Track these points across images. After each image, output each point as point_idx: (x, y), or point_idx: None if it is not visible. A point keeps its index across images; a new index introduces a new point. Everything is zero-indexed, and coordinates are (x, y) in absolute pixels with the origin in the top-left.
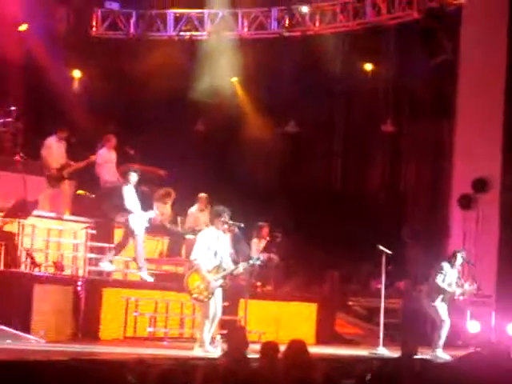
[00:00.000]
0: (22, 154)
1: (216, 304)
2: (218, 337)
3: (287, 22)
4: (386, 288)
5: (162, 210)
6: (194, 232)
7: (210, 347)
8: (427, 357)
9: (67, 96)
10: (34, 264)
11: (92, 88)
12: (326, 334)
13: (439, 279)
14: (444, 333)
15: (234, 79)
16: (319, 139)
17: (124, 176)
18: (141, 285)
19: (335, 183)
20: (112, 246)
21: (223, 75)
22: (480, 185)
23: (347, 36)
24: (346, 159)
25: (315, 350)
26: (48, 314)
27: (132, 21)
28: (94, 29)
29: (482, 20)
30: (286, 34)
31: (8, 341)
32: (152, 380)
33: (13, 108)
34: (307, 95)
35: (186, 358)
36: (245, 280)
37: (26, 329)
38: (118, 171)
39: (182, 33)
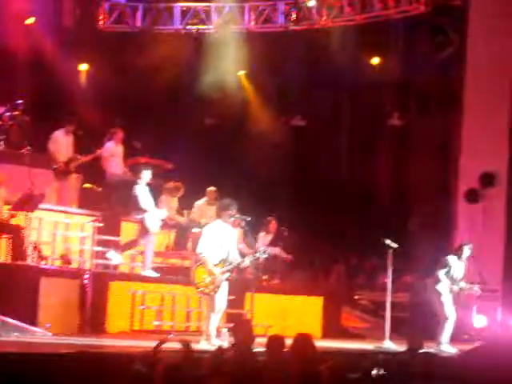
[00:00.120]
0: (28, 147)
1: (222, 297)
2: (225, 330)
3: (294, 15)
4: (392, 282)
5: (169, 204)
6: (200, 225)
7: (217, 340)
8: (433, 351)
9: (74, 89)
10: (41, 257)
11: (99, 81)
12: (332, 328)
13: (441, 272)
14: (448, 326)
15: (241, 73)
16: (326, 133)
17: (136, 174)
18: (147, 278)
19: (342, 177)
20: (119, 240)
21: (230, 69)
22: (487, 179)
23: (354, 30)
24: (352, 153)
25: (321, 343)
26: (55, 307)
27: (139, 14)
28: (100, 22)
29: (489, 13)
30: (293, 27)
31: (15, 333)
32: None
33: (20, 101)
34: (314, 89)
35: (192, 351)
36: (251, 274)
37: (33, 322)
38: (124, 165)
39: (188, 26)
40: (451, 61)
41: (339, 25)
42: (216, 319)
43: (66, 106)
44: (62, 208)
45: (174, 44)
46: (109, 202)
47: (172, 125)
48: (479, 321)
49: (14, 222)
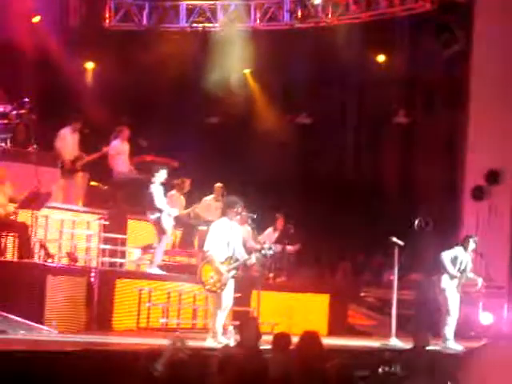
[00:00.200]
0: (35, 146)
1: (229, 295)
2: (231, 328)
3: (299, 13)
4: (398, 279)
5: (178, 200)
6: (207, 223)
7: (223, 338)
8: (439, 348)
9: (80, 88)
10: (48, 255)
11: (105, 79)
12: (338, 325)
13: (445, 254)
14: (451, 324)
15: (247, 71)
16: (331, 130)
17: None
18: (154, 276)
19: (348, 174)
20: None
21: (235, 67)
22: (493, 176)
23: (360, 27)
24: (358, 150)
25: (327, 341)
26: (61, 305)
27: (145, 12)
28: (106, 20)
29: (495, 9)
30: (299, 25)
31: (21, 331)
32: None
33: (26, 100)
34: (319, 87)
35: (199, 349)
36: (257, 271)
37: (39, 319)
38: (130, 163)
39: (194, 24)
40: (457, 58)
41: (345, 22)
42: (222, 317)
43: (72, 105)
44: (69, 206)
45: (180, 42)
46: (115, 200)
47: (178, 123)
48: (485, 318)
49: (20, 220)
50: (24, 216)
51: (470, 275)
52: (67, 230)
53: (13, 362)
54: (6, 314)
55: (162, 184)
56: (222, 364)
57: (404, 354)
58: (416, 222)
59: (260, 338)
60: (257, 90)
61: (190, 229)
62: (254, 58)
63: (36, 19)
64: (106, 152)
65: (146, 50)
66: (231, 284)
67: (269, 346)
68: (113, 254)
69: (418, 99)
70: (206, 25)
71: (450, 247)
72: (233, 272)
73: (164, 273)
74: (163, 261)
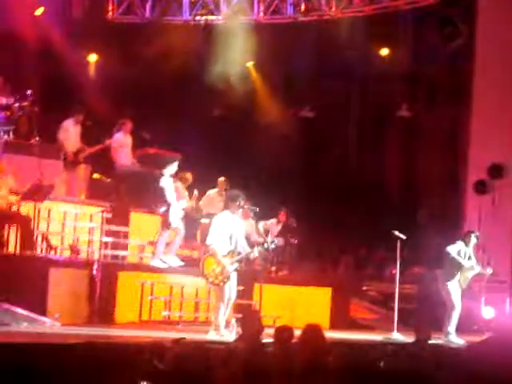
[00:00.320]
0: (37, 138)
1: (231, 288)
2: (233, 321)
3: (303, 6)
4: (401, 273)
5: (183, 192)
6: (209, 216)
7: (225, 331)
8: (441, 342)
9: (83, 80)
10: (50, 247)
11: (108, 72)
12: (340, 319)
13: (451, 248)
14: (454, 318)
15: (250, 64)
16: (334, 124)
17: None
18: (156, 269)
19: (350, 168)
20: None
21: (238, 60)
22: (496, 170)
23: (363, 20)
24: (361, 144)
25: (329, 334)
26: (64, 297)
27: (148, 5)
28: (109, 13)
29: (498, 3)
30: (302, 18)
31: (24, 323)
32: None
33: (29, 92)
34: (322, 80)
35: (201, 342)
36: (260, 265)
37: (42, 312)
38: (133, 155)
39: (197, 17)
40: (460, 52)
41: (348, 16)
42: (225, 310)
43: (75, 97)
44: (71, 198)
45: (183, 35)
46: (118, 193)
47: (181, 115)
48: (487, 312)
49: (22, 212)
50: (26, 208)
51: (478, 268)
52: (70, 222)
53: (15, 354)
54: (8, 306)
55: (171, 177)
56: (225, 357)
57: (406, 347)
58: (419, 216)
59: (262, 331)
60: (260, 83)
61: (192, 222)
62: (257, 51)
63: (39, 11)
64: (109, 144)
65: (149, 42)
66: (234, 277)
67: (271, 339)
68: (115, 246)
69: (421, 93)
70: (209, 17)
71: (452, 242)
72: (235, 265)
73: (166, 265)
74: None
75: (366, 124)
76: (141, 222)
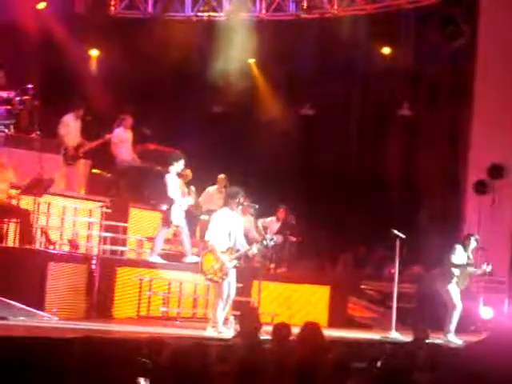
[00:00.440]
0: (38, 132)
1: (230, 284)
2: (231, 318)
3: (305, 4)
4: (400, 272)
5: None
6: (209, 212)
7: (223, 328)
8: (439, 341)
9: (85, 75)
10: (49, 242)
11: (109, 67)
12: (338, 317)
13: (454, 258)
14: (455, 317)
15: (251, 61)
16: (335, 122)
17: (168, 163)
18: (155, 264)
19: (350, 166)
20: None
21: (240, 57)
22: (496, 171)
23: (365, 19)
24: (361, 143)
25: (327, 332)
26: (62, 292)
27: (150, 0)
28: (112, 8)
29: (500, 3)
30: (304, 16)
31: (22, 317)
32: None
33: (30, 86)
34: (324, 78)
35: (199, 338)
36: (259, 262)
37: (40, 306)
38: (134, 151)
39: (199, 13)
40: (462, 52)
41: (350, 14)
42: (223, 306)
43: (76, 92)
44: (71, 193)
45: (185, 31)
46: (117, 188)
47: (181, 112)
48: (486, 312)
49: (22, 206)
50: (26, 202)
51: (472, 270)
52: (69, 217)
53: (13, 348)
54: (6, 300)
55: (178, 174)
56: (223, 354)
57: (404, 346)
58: (419, 217)
59: (260, 329)
60: (261, 81)
61: (191, 218)
62: (259, 48)
63: (41, 6)
64: (109, 139)
65: (151, 38)
66: (233, 274)
67: (269, 337)
68: (114, 242)
69: (423, 92)
70: (212, 14)
71: (451, 245)
72: (234, 262)
73: (165, 262)
74: (164, 250)
75: (367, 122)
76: (140, 218)
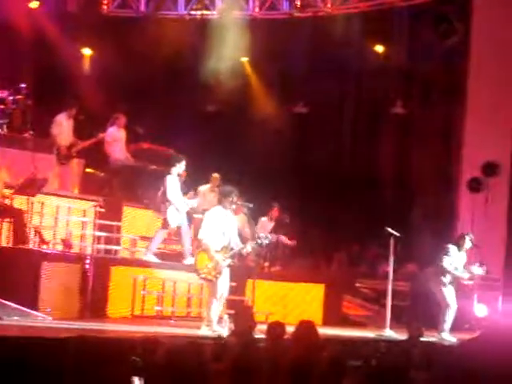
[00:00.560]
0: (31, 132)
1: (224, 283)
2: (226, 316)
3: (298, 2)
4: (394, 270)
5: None
6: (202, 211)
7: (217, 327)
8: (433, 339)
9: (77, 74)
10: (43, 241)
11: (102, 66)
12: (332, 315)
13: (446, 262)
14: (449, 316)
15: (244, 59)
16: (328, 120)
17: (170, 164)
18: (149, 263)
19: (344, 165)
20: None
21: (233, 55)
22: (490, 168)
23: (358, 17)
24: (355, 141)
25: (322, 330)
26: (56, 292)
27: None
28: (104, 6)
29: (493, 1)
30: (297, 14)
31: (15, 317)
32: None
33: (23, 85)
34: (317, 76)
35: (193, 337)
36: (253, 261)
37: (34, 306)
38: (127, 150)
39: (192, 12)
40: (455, 50)
41: (343, 12)
42: (218, 305)
43: (69, 91)
44: (64, 193)
45: (178, 29)
46: (111, 187)
47: (175, 110)
48: (480, 310)
49: (16, 205)
50: (20, 202)
51: (465, 275)
52: (63, 216)
53: (7, 348)
54: (0, 300)
55: (179, 175)
56: (217, 352)
57: (398, 344)
58: (412, 215)
59: (255, 327)
60: (254, 79)
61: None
62: (252, 47)
63: (34, 4)
64: (102, 138)
65: (144, 36)
66: (227, 273)
67: (263, 335)
68: (108, 241)
69: (416, 90)
70: (205, 12)
71: (445, 245)
72: (228, 261)
73: (159, 261)
74: (158, 249)
75: (360, 120)
76: (134, 217)
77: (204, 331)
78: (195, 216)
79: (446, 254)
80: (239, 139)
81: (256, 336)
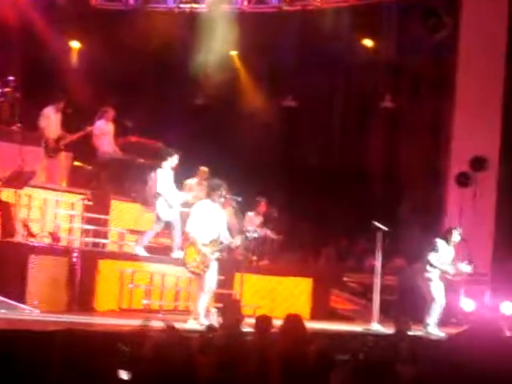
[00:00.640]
0: (19, 125)
1: (212, 277)
2: (214, 310)
3: None
4: (381, 265)
5: None
6: (190, 205)
7: (205, 320)
8: (420, 333)
9: (66, 67)
10: (30, 234)
11: (90, 59)
12: (320, 310)
13: (432, 257)
14: (435, 310)
15: (234, 53)
16: (317, 114)
17: (162, 158)
18: (136, 257)
19: (332, 159)
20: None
21: (222, 49)
22: (478, 163)
23: (347, 11)
24: (344, 134)
25: (310, 325)
26: (43, 285)
27: None
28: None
29: None
30: (286, 8)
31: (2, 310)
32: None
33: (11, 78)
34: (306, 70)
35: (181, 331)
36: (241, 254)
37: (21, 299)
38: (115, 143)
39: (181, 5)
40: (444, 44)
41: (333, 6)
42: (205, 299)
43: (58, 84)
44: (52, 186)
45: (167, 23)
46: (98, 181)
47: (163, 104)
48: (467, 304)
49: (3, 198)
50: (7, 195)
51: (452, 270)
52: (50, 209)
53: None
54: None
55: (172, 169)
56: (204, 346)
57: (385, 339)
58: (400, 209)
59: (242, 321)
60: (243, 73)
61: None
62: (241, 40)
63: None
64: (91, 132)
65: (133, 30)
66: (214, 266)
67: (251, 329)
68: (96, 234)
69: (405, 84)
70: (194, 6)
71: (432, 239)
72: (217, 254)
73: (148, 254)
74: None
75: (349, 114)
76: (121, 210)
77: (191, 325)
78: (182, 209)
79: (433, 249)
80: (228, 133)
81: (244, 329)
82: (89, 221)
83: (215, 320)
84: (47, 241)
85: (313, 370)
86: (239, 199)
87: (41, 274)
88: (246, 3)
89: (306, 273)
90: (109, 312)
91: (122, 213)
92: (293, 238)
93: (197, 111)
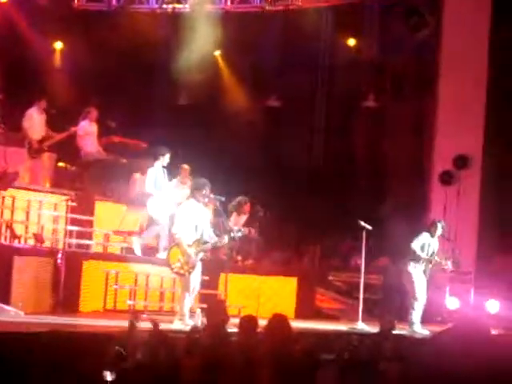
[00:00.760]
0: (2, 125)
1: (196, 277)
2: (198, 310)
3: None
4: (366, 264)
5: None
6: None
7: (190, 320)
8: (405, 332)
9: (49, 67)
10: (14, 236)
11: (73, 60)
12: (305, 309)
13: (415, 245)
14: (418, 308)
15: (217, 52)
16: (301, 114)
17: (154, 157)
18: (121, 258)
19: (316, 158)
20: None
21: (205, 48)
22: (461, 161)
23: (329, 11)
24: (327, 134)
25: (295, 324)
26: (28, 286)
27: None
28: (75, 0)
29: None
30: (269, 8)
31: None
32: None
33: None
34: (289, 70)
35: (166, 331)
36: (225, 254)
37: (6, 300)
38: (99, 143)
39: (164, 5)
40: (426, 43)
41: (315, 6)
42: (190, 299)
43: (41, 85)
44: (36, 187)
45: (150, 23)
46: (82, 181)
47: (147, 104)
48: (452, 303)
49: None
50: None
51: (437, 258)
52: (34, 210)
53: None
54: None
55: (164, 168)
56: (189, 346)
57: (370, 337)
58: (384, 206)
59: (227, 321)
60: (226, 72)
61: None
62: (224, 40)
63: None
64: (74, 132)
65: (115, 30)
66: (199, 267)
67: (236, 329)
68: (80, 235)
69: (387, 83)
70: (176, 6)
71: (417, 232)
72: (201, 254)
73: (138, 254)
74: (129, 243)
75: (333, 114)
76: (105, 211)
77: (176, 325)
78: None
79: (416, 238)
80: (211, 132)
81: (229, 330)
82: (73, 222)
83: (200, 321)
84: (31, 242)
85: (299, 369)
86: (223, 199)
87: (25, 275)
88: (229, 3)
89: (291, 272)
90: (93, 313)
91: (106, 213)
92: (277, 237)
93: (180, 111)
